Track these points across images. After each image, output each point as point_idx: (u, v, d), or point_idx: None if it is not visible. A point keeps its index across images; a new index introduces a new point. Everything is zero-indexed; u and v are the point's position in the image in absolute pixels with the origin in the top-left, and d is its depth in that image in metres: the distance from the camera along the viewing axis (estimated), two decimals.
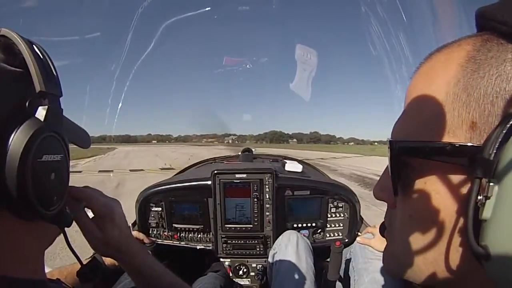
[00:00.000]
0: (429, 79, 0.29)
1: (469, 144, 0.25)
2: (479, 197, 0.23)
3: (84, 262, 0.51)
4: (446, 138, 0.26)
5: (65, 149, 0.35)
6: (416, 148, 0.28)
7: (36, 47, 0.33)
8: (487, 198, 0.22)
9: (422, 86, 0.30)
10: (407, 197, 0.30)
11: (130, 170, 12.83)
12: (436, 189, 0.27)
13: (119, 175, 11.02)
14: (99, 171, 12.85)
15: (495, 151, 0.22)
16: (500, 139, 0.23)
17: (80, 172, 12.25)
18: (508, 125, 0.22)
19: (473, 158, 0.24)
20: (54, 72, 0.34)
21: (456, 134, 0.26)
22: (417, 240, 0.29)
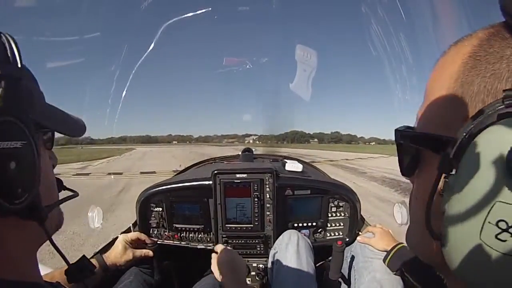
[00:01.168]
0: (439, 74, 0.30)
1: (447, 138, 0.26)
2: (442, 191, 0.25)
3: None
4: (442, 131, 0.27)
5: (29, 135, 0.32)
6: (414, 138, 0.31)
7: None
8: (443, 192, 0.25)
9: (433, 80, 0.32)
10: (414, 180, 0.34)
11: (141, 173, 12.13)
12: (426, 177, 0.30)
13: (128, 178, 10.43)
14: (108, 174, 12.18)
15: (455, 148, 0.24)
16: (461, 138, 0.24)
17: (88, 174, 11.60)
18: (472, 125, 0.23)
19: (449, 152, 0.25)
20: (12, 55, 0.32)
21: (450, 129, 0.26)
22: (418, 218, 0.31)
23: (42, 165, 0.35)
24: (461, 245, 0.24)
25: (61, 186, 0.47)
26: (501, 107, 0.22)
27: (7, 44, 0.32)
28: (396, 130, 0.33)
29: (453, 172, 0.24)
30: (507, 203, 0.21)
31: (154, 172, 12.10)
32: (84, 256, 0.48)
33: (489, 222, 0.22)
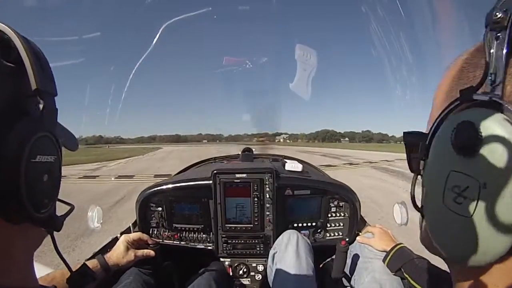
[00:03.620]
0: (439, 85, 0.35)
1: (423, 133, 0.34)
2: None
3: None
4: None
5: (59, 150, 0.35)
6: (413, 135, 0.37)
7: (32, 44, 0.32)
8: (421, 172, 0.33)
9: (436, 91, 0.36)
10: None
11: (155, 176, 10.66)
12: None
13: (137, 182, 9.13)
14: (118, 177, 10.85)
15: (428, 137, 0.31)
16: (432, 129, 0.31)
17: (95, 177, 10.41)
18: (437, 121, 0.30)
19: None
20: (50, 71, 0.33)
21: None
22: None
23: None
24: (432, 212, 0.30)
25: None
26: (454, 104, 0.29)
27: (45, 60, 0.33)
28: (404, 133, 0.37)
29: (427, 157, 0.31)
30: (457, 171, 0.26)
31: (170, 175, 10.53)
32: (85, 263, 0.49)
33: (447, 189, 0.27)
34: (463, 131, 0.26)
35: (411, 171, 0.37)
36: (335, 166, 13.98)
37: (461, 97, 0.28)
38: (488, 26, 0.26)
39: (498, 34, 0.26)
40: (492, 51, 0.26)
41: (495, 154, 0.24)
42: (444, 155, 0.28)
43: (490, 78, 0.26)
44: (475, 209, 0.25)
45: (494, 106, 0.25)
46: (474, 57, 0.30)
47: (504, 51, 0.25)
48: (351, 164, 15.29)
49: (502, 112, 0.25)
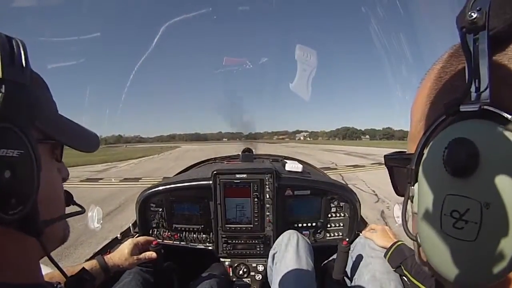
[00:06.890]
0: (416, 99, 0.33)
1: (406, 153, 0.32)
2: (412, 198, 0.29)
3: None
4: (412, 149, 0.30)
5: (29, 145, 0.31)
6: (390, 159, 0.35)
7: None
8: (411, 198, 0.29)
9: (413, 104, 0.33)
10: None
11: (164, 178, 8.91)
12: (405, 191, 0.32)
13: (143, 186, 7.48)
14: (123, 180, 9.97)
15: (415, 160, 0.28)
16: (418, 150, 0.28)
17: (97, 180, 9.57)
18: (422, 141, 0.27)
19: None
20: (21, 59, 0.31)
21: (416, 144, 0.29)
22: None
23: (45, 177, 0.34)
24: (430, 240, 0.26)
25: (69, 200, 0.45)
26: (439, 120, 0.26)
27: (15, 49, 0.31)
28: (385, 156, 0.35)
29: (417, 181, 0.28)
30: (454, 195, 0.23)
31: None
32: (83, 268, 0.47)
33: (444, 215, 0.24)
34: (457, 150, 0.23)
35: (398, 195, 0.35)
36: (363, 166, 12.84)
37: (447, 110, 0.25)
38: (463, 28, 0.24)
39: (476, 36, 0.24)
40: (472, 55, 0.24)
41: (496, 171, 0.21)
42: (437, 179, 0.25)
43: (474, 85, 0.24)
44: (478, 232, 0.23)
45: (486, 115, 0.23)
46: (450, 64, 0.28)
47: (487, 53, 0.23)
48: (380, 164, 13.33)
49: (496, 121, 0.22)
